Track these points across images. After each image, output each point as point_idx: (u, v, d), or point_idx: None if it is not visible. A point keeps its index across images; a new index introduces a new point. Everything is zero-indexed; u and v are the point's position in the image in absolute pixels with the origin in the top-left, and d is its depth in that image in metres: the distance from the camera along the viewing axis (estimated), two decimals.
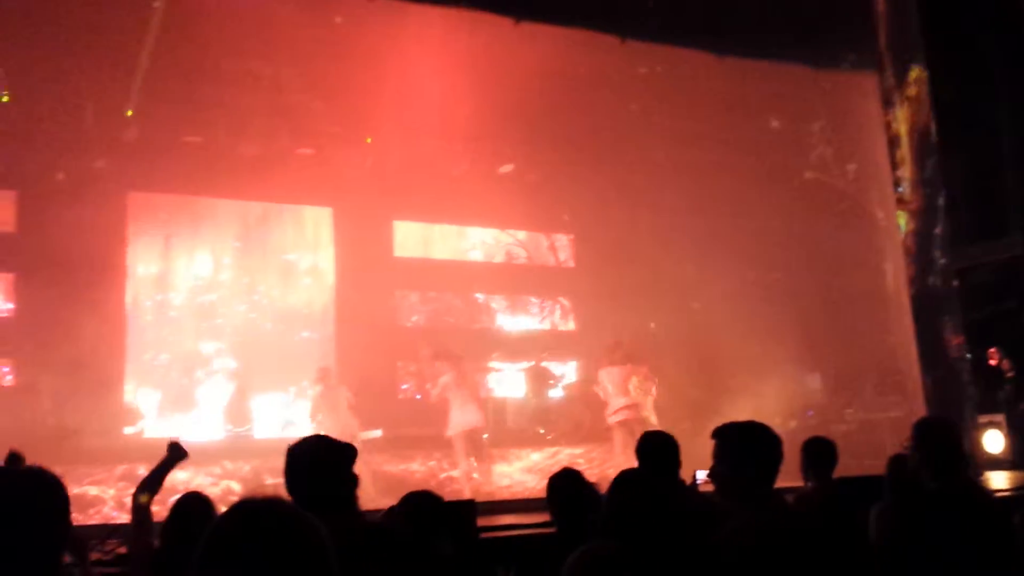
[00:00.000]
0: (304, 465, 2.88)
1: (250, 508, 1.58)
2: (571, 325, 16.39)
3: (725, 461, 3.45)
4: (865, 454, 9.54)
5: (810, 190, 15.16)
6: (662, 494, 2.94)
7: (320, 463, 2.89)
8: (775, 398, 12.12)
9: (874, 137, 13.34)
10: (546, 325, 16.61)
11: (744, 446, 3.42)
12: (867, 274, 14.57)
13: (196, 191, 13.69)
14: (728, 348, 13.12)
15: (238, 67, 12.39)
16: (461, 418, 10.91)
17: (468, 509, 4.85)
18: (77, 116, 12.06)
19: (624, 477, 3.05)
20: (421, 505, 3.63)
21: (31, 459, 3.64)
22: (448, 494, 10.72)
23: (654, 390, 11.87)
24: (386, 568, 2.67)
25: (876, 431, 12.59)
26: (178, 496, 4.12)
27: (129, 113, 12.29)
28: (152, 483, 4.42)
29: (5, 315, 12.79)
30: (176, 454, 4.59)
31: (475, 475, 11.23)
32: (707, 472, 3.70)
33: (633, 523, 2.83)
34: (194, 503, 3.99)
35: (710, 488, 5.35)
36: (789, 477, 4.31)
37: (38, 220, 12.11)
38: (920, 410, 11.41)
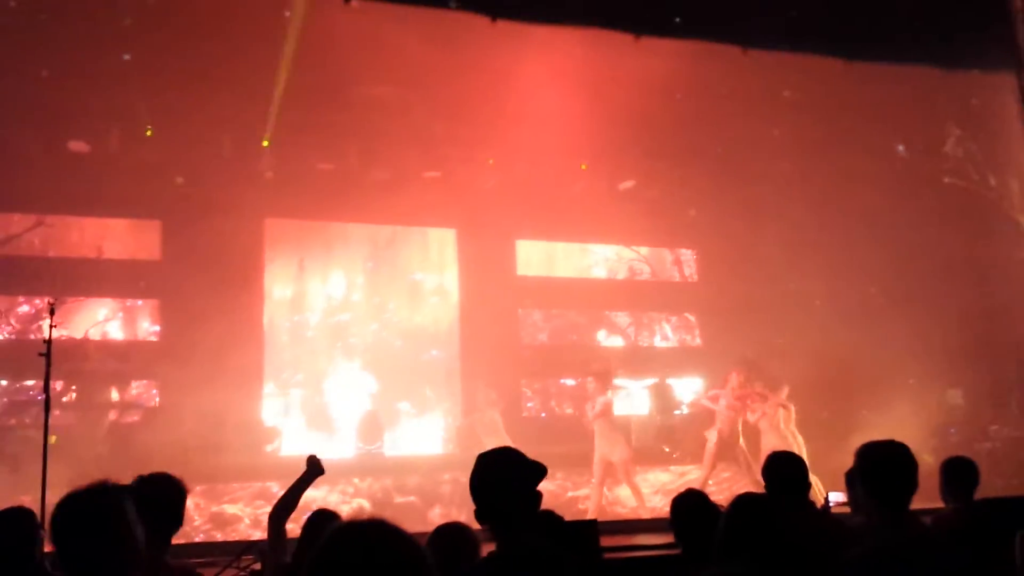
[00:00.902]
0: (489, 476, 2.89)
1: (351, 530, 1.66)
2: (697, 341, 16.17)
3: (859, 482, 3.37)
4: (1013, 473, 9.07)
5: (947, 197, 14.51)
6: (779, 516, 2.88)
7: (503, 477, 2.87)
8: (913, 416, 11.64)
9: (1015, 140, 12.70)
10: (671, 342, 16.44)
11: (876, 466, 3.33)
12: (1010, 284, 13.84)
13: (328, 216, 14.19)
14: (861, 364, 12.69)
15: (367, 93, 12.75)
16: None
17: (590, 528, 4.86)
18: (216, 147, 12.67)
19: (741, 499, 3.01)
20: (542, 524, 3.65)
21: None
22: (574, 514, 10.78)
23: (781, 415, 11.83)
24: None
25: None
26: (310, 514, 4.20)
27: (266, 143, 12.83)
28: (289, 501, 4.45)
29: (152, 339, 13.52)
30: (314, 470, 4.60)
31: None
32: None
33: (748, 546, 2.80)
34: (325, 520, 4.06)
35: (845, 510, 5.22)
36: (928, 498, 4.16)
37: (181, 248, 12.76)
38: None
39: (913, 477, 3.29)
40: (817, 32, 11.31)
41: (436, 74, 12.17)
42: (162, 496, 3.53)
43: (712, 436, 12.13)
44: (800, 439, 11.49)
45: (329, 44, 11.42)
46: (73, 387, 12.54)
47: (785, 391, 12.08)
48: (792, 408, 11.90)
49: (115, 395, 12.50)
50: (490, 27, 10.30)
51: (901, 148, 14.28)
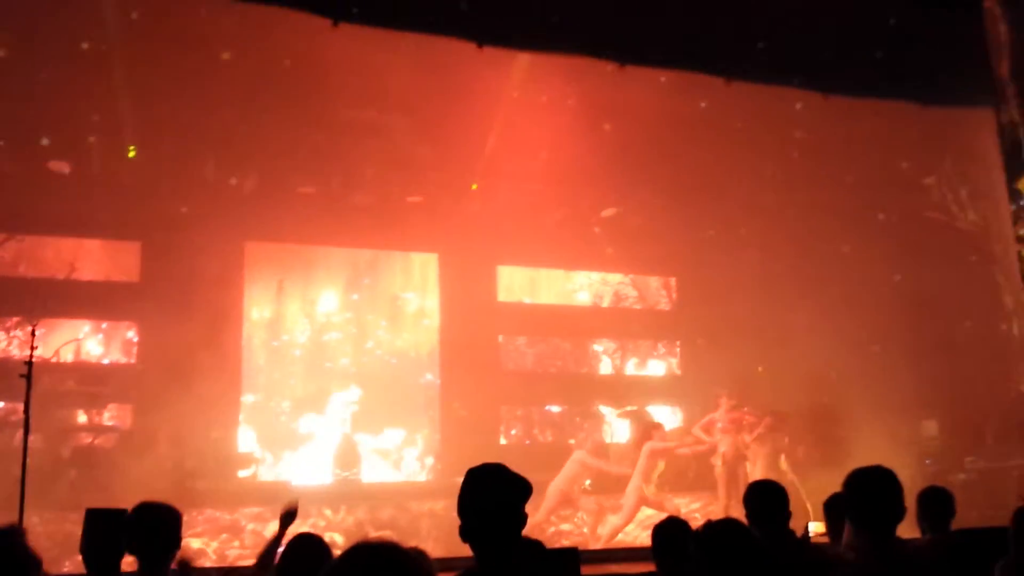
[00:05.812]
0: (476, 493, 2.81)
1: (365, 552, 1.65)
2: (677, 369, 16.18)
3: (847, 508, 3.35)
4: (987, 504, 9.09)
5: (926, 231, 14.64)
6: (749, 542, 2.87)
7: (490, 495, 2.79)
8: (889, 446, 11.66)
9: (994, 175, 12.83)
10: (655, 370, 16.42)
11: (863, 492, 3.32)
12: (985, 317, 13.97)
13: (309, 240, 14.10)
14: (839, 394, 12.72)
15: (351, 118, 12.74)
16: None
17: (571, 557, 4.82)
18: (197, 169, 12.60)
19: (711, 525, 3.01)
20: (527, 549, 3.62)
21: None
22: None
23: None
24: None
25: (999, 481, 11.98)
26: (291, 537, 4.13)
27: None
28: (266, 562, 4.49)
29: (128, 361, 13.36)
30: (287, 520, 4.75)
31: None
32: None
33: (721, 572, 2.78)
34: (308, 544, 4.00)
35: (824, 540, 5.20)
36: (904, 528, 4.15)
37: (160, 270, 12.66)
38: None
39: (899, 502, 3.29)
40: (798, 66, 11.44)
41: (421, 99, 12.20)
42: (160, 522, 3.64)
43: (717, 463, 12.24)
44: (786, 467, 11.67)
45: (315, 67, 11.42)
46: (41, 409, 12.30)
47: (766, 422, 12.15)
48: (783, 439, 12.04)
49: (83, 417, 12.28)
50: (476, 53, 10.35)
51: (884, 163, 14.34)
